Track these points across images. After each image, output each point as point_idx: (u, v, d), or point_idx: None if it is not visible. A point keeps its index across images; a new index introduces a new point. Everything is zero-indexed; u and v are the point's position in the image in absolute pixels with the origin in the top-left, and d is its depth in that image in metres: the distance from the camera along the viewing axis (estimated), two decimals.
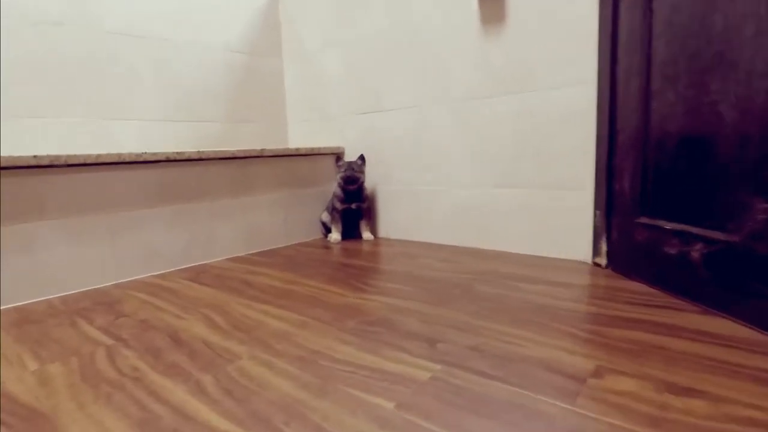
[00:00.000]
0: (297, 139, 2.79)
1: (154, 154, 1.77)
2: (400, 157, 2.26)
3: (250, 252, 2.16)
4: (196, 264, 1.94)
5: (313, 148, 2.38)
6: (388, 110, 2.28)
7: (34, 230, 1.53)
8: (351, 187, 2.24)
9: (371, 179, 2.43)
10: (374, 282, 1.44)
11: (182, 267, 1.90)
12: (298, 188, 2.36)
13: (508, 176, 1.86)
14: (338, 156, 2.32)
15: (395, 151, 2.29)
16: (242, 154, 2.08)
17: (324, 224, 2.41)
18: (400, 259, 1.76)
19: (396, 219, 2.33)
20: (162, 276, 1.75)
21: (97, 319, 1.21)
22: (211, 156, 1.96)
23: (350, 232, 2.38)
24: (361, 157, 2.33)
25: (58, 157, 1.55)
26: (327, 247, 2.22)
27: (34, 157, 1.51)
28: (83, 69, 2.04)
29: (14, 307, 1.42)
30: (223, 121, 2.54)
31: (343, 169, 2.25)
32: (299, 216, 2.37)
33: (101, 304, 1.38)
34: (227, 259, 2.03)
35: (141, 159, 1.74)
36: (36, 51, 1.91)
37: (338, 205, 2.30)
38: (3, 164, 1.45)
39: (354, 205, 2.30)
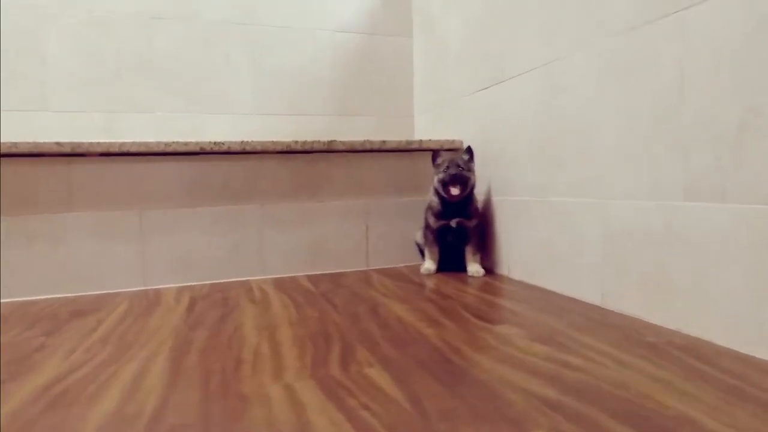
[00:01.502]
0: (423, 133, 2.19)
1: (185, 144, 1.49)
2: (526, 147, 1.42)
3: (311, 272, 1.68)
4: (234, 280, 1.58)
5: (410, 142, 1.75)
6: (510, 78, 1.47)
7: (63, 220, 1.42)
8: (454, 193, 1.52)
9: (484, 185, 1.64)
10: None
11: (217, 281, 1.56)
12: (387, 195, 1.77)
13: (721, 177, 0.85)
14: (435, 151, 1.63)
15: (519, 138, 1.46)
16: (303, 147, 1.63)
17: (419, 247, 1.74)
18: (522, 340, 0.96)
19: (521, 248, 1.48)
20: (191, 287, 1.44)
21: None
22: (258, 149, 1.57)
23: (451, 262, 1.64)
24: (468, 151, 1.58)
25: (80, 144, 1.41)
26: (413, 281, 1.55)
27: (57, 144, 1.39)
28: (180, 61, 1.95)
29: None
30: (332, 113, 2.16)
31: (442, 168, 1.56)
32: (387, 232, 1.77)
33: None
34: (276, 278, 1.60)
35: (170, 149, 1.48)
36: (135, 45, 1.90)
37: (432, 222, 1.61)
38: (23, 151, 1.37)
39: (455, 222, 1.57)
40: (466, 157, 1.59)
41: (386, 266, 1.76)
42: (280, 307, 1.22)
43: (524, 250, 1.44)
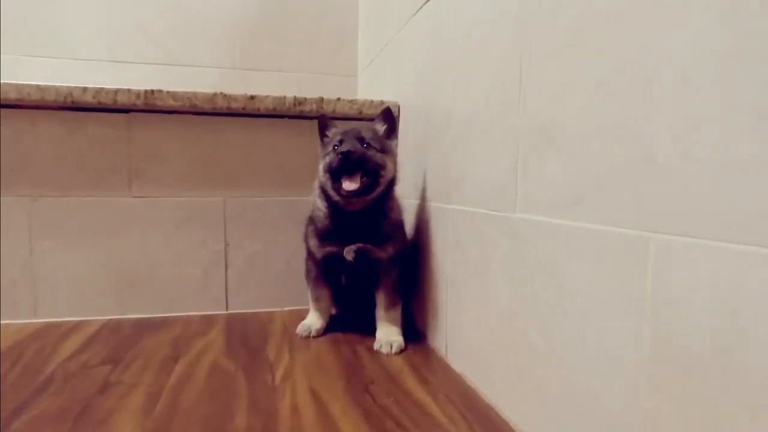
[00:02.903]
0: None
1: None
2: (495, 112, 0.67)
3: (116, 315, 0.98)
4: None
5: (300, 101, 1.01)
6: None
7: None
8: (349, 189, 0.78)
9: (419, 181, 0.90)
10: None
11: None
12: (263, 189, 1.05)
13: None
14: (323, 117, 0.88)
15: (481, 96, 0.70)
16: (95, 101, 0.92)
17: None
18: None
19: (476, 311, 0.74)
20: None
21: None
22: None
23: (360, 310, 0.92)
24: (385, 116, 0.85)
25: None
26: (264, 358, 0.83)
27: None
28: None
29: None
30: (229, 67, 1.44)
31: (332, 145, 0.82)
32: (261, 252, 1.05)
33: None
34: (48, 323, 0.91)
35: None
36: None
37: (314, 246, 0.87)
38: None
39: (351, 251, 0.83)
40: (379, 127, 0.85)
41: (259, 309, 1.05)
42: None
43: (482, 316, 0.69)
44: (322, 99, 1.01)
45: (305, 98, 1.01)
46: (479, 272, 0.67)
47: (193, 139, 1.00)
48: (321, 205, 0.86)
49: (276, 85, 1.42)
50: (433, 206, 0.85)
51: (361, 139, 0.81)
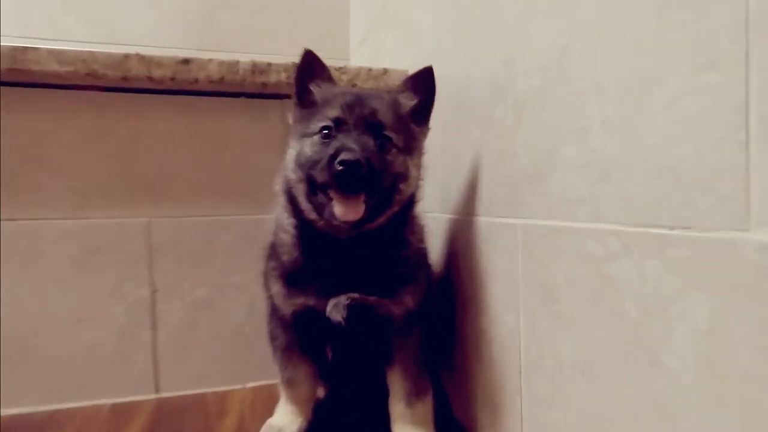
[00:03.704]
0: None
1: None
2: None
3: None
4: None
5: (259, 68, 0.66)
6: None
7: None
8: (347, 219, 0.42)
9: (434, 195, 0.54)
10: None
11: None
12: (214, 204, 0.69)
13: None
14: (310, 56, 0.51)
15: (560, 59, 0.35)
16: None
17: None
18: None
19: (583, 409, 0.36)
20: None
21: None
22: None
23: (356, 391, 0.55)
24: (419, 82, 0.50)
25: None
26: None
27: None
28: None
29: None
30: (181, 47, 1.10)
31: (322, 125, 0.46)
32: (210, 300, 0.69)
33: None
34: None
35: None
36: None
37: (279, 295, 0.51)
38: None
39: (349, 300, 0.47)
40: (406, 101, 0.49)
41: (205, 388, 0.68)
42: None
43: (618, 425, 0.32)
44: (294, 65, 0.66)
45: (269, 64, 0.66)
46: (613, 352, 0.31)
47: (98, 129, 0.65)
48: (287, 224, 0.50)
49: None
50: (482, 222, 0.49)
51: (375, 127, 0.45)
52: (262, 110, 0.70)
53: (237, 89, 0.68)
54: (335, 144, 0.43)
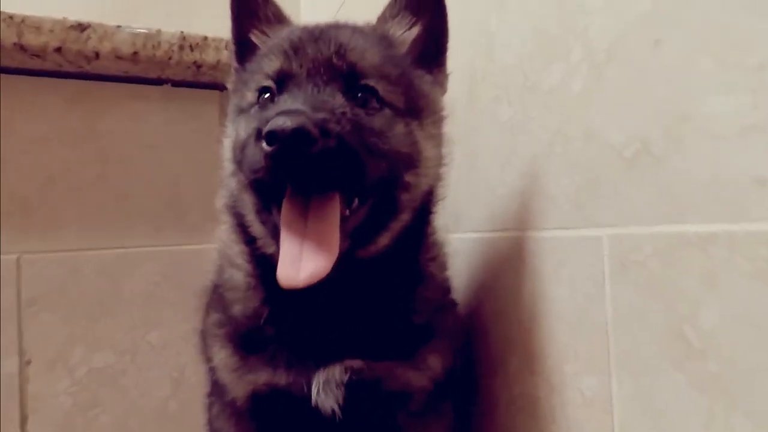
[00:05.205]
0: None
1: None
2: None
3: None
4: None
5: (190, 41, 0.49)
6: None
7: None
8: (293, 285, 0.24)
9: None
10: None
11: None
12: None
13: None
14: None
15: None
16: None
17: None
18: None
19: None
20: None
21: None
22: None
23: None
24: (404, 5, 0.33)
25: None
26: None
27: None
28: None
29: None
30: None
31: (261, 86, 0.29)
32: (102, 367, 0.48)
33: None
34: None
35: None
36: None
37: (226, 368, 0.32)
38: None
39: (343, 379, 0.29)
40: (402, 34, 0.33)
41: None
42: None
43: None
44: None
45: (204, 38, 0.49)
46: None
47: None
48: (237, 255, 0.32)
49: None
50: (530, 239, 0.34)
51: (346, 74, 0.28)
52: (194, 103, 0.52)
53: (157, 72, 0.49)
54: (269, 113, 0.26)
